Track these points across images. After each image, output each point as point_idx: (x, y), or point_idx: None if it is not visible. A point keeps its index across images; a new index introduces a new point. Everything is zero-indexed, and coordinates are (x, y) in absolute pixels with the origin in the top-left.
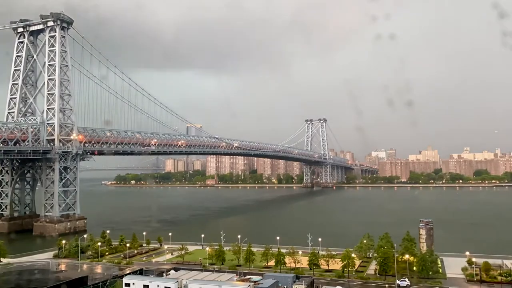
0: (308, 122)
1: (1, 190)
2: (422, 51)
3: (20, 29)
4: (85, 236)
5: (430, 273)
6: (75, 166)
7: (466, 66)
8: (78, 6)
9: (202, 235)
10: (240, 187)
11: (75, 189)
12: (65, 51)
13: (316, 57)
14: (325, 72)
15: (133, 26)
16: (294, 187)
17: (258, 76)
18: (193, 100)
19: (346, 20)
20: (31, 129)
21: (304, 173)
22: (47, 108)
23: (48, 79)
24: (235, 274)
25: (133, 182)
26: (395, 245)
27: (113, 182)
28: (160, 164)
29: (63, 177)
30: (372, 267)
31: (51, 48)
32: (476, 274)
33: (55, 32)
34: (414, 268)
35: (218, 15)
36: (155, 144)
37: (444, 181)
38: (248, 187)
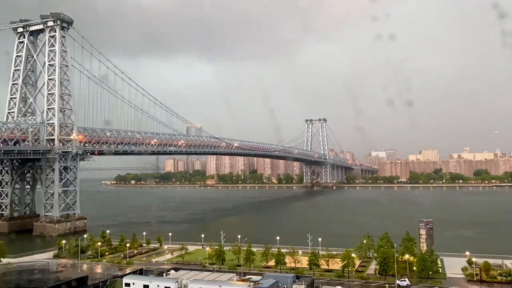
0: (308, 122)
1: (1, 190)
2: (423, 51)
3: (20, 29)
4: (85, 236)
5: (430, 273)
6: (75, 166)
7: (466, 65)
8: None
9: (202, 235)
10: (240, 187)
11: (75, 189)
12: (65, 51)
13: (316, 57)
14: (325, 71)
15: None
16: (294, 187)
17: (258, 76)
18: (190, 95)
19: (347, 19)
20: (31, 129)
21: (304, 173)
22: (47, 108)
23: (48, 79)
24: (235, 274)
25: (133, 182)
26: (395, 245)
27: (113, 182)
28: (160, 164)
29: (63, 177)
30: (372, 267)
31: (51, 48)
32: (476, 274)
33: (55, 32)
34: (414, 268)
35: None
36: (155, 144)
37: (444, 181)
38: (248, 187)
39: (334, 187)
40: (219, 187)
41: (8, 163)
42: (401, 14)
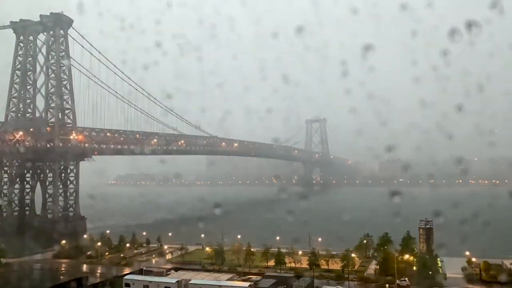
0: (308, 122)
1: (1, 190)
2: (423, 50)
3: (20, 29)
4: (85, 236)
5: (430, 273)
6: (75, 166)
7: (466, 64)
8: None
9: (202, 235)
10: (239, 187)
11: (75, 189)
12: (65, 51)
13: (315, 56)
14: (325, 71)
15: None
16: (294, 187)
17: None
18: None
19: (348, 21)
20: (31, 129)
21: (304, 173)
22: (47, 108)
23: (48, 79)
24: (235, 274)
25: (132, 182)
26: (395, 245)
27: (112, 182)
28: (160, 164)
29: (63, 177)
30: (372, 267)
31: (51, 48)
32: (476, 274)
33: (55, 32)
34: (414, 268)
35: None
36: (155, 144)
37: (444, 181)
38: (248, 187)
39: (334, 187)
40: (219, 187)
41: (7, 163)
42: (401, 14)
